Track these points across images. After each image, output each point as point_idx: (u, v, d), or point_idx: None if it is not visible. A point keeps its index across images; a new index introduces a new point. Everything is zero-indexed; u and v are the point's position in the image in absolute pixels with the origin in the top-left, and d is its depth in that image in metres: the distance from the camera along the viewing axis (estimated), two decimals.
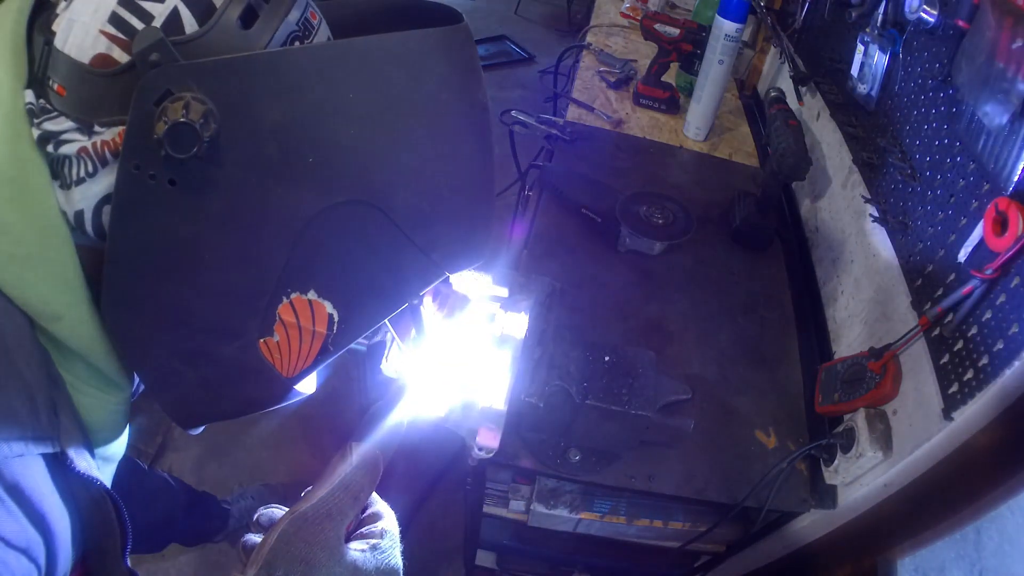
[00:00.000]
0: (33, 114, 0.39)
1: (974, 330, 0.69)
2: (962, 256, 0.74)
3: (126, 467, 0.55)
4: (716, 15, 1.32)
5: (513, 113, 1.36)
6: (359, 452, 0.50)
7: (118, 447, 0.52)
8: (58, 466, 0.41)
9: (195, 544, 1.48)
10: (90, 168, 0.39)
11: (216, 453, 1.71)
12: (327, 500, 0.47)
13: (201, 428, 0.52)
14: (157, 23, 0.37)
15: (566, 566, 1.26)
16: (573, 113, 1.50)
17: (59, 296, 0.40)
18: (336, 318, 0.46)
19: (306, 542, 0.44)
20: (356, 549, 0.46)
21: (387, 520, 0.50)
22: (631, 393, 0.85)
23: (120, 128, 0.38)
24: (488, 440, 0.70)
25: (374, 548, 0.47)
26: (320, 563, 0.43)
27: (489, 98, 0.48)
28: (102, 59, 0.38)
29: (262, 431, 1.75)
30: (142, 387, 0.56)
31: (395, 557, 0.48)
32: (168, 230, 0.39)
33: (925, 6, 0.87)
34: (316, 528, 0.45)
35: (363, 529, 0.49)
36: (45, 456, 0.40)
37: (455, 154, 0.46)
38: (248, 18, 0.39)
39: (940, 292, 0.77)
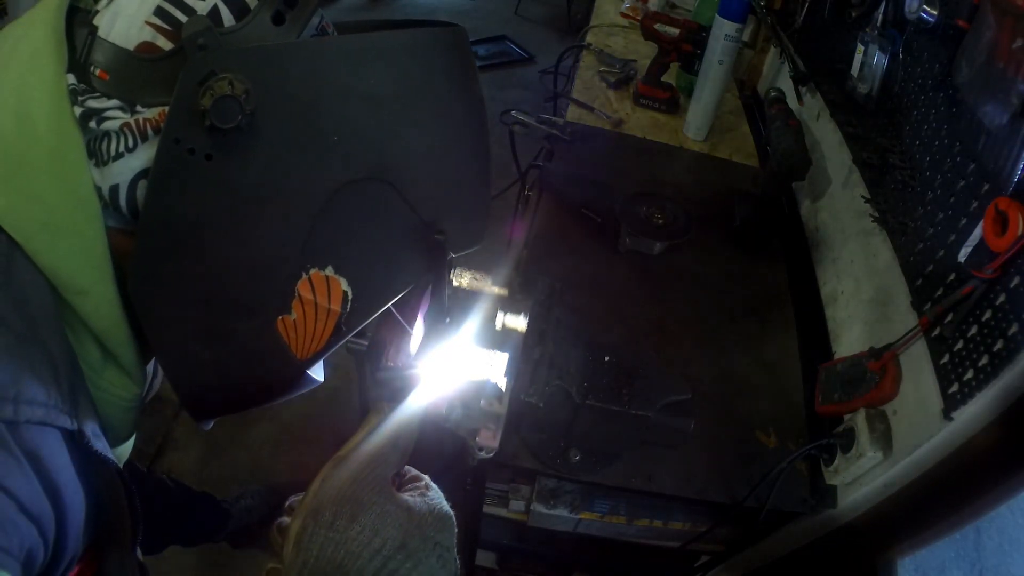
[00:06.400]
0: (76, 94, 0.41)
1: (974, 330, 0.69)
2: (962, 256, 0.74)
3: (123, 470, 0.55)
4: (716, 15, 1.32)
5: (513, 113, 1.36)
6: (395, 408, 0.50)
7: (124, 450, 0.53)
8: (74, 446, 0.41)
9: (195, 544, 1.48)
10: (130, 143, 0.42)
11: (217, 453, 1.71)
12: (367, 444, 0.47)
13: (212, 422, 0.53)
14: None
15: (566, 566, 1.26)
16: (573, 113, 1.50)
17: (87, 270, 0.42)
18: (350, 295, 0.48)
19: (352, 482, 0.45)
20: (406, 494, 0.47)
21: (429, 481, 0.51)
22: (631, 393, 0.85)
23: (161, 108, 0.41)
24: (488, 440, 0.70)
25: (423, 495, 0.48)
26: (370, 502, 0.44)
27: (484, 93, 0.52)
28: (147, 46, 0.41)
29: (263, 431, 1.75)
30: (152, 392, 0.56)
31: (446, 505, 0.48)
32: (201, 203, 0.42)
33: (925, 6, 0.87)
34: (360, 469, 0.45)
35: (408, 486, 0.49)
36: (63, 433, 0.40)
37: (458, 139, 0.51)
38: (277, 19, 0.44)
39: (940, 292, 0.77)
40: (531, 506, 0.97)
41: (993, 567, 0.69)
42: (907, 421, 0.77)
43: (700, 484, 0.87)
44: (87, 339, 0.43)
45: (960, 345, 0.71)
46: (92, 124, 0.41)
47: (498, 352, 0.71)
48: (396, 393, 0.54)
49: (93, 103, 0.41)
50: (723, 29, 1.31)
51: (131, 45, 0.41)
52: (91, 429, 0.42)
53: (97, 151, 0.42)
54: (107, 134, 0.41)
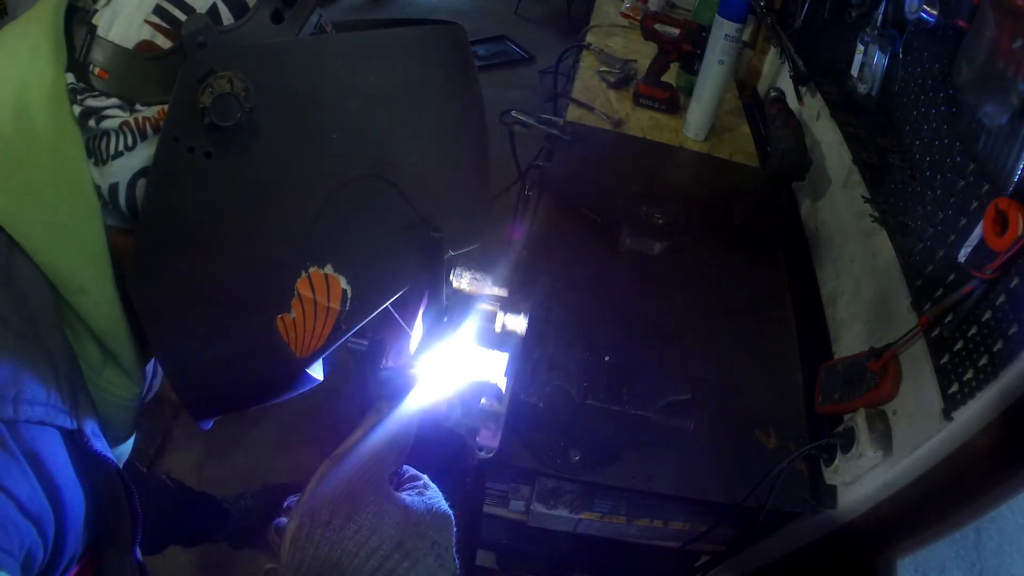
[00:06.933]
0: (75, 93, 0.41)
1: (974, 330, 0.69)
2: (962, 256, 0.74)
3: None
4: (716, 15, 1.32)
5: (513, 113, 1.36)
6: (393, 408, 0.50)
7: (124, 450, 0.53)
8: (73, 445, 0.41)
9: (195, 544, 1.47)
10: (129, 141, 0.42)
11: (216, 453, 1.71)
12: (364, 443, 0.47)
13: (211, 422, 0.52)
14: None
15: (566, 566, 1.26)
16: (573, 113, 1.50)
17: (87, 268, 0.42)
18: (350, 294, 0.48)
19: (349, 481, 0.44)
20: (404, 493, 0.46)
21: (427, 480, 0.50)
22: (631, 393, 0.85)
23: (161, 106, 0.41)
24: (488, 440, 0.70)
25: (421, 494, 0.47)
26: (367, 501, 0.43)
27: (484, 93, 0.52)
28: (146, 45, 0.42)
29: (262, 431, 1.75)
30: (151, 392, 0.56)
31: (444, 505, 0.48)
32: (201, 201, 0.42)
33: (925, 6, 0.87)
34: (357, 468, 0.45)
35: (406, 485, 0.49)
36: (62, 432, 0.40)
37: (457, 137, 0.51)
38: (276, 18, 0.44)
39: (940, 292, 0.77)
40: (531, 506, 0.97)
41: (993, 567, 0.69)
42: (907, 421, 0.77)
43: (700, 484, 0.87)
44: (87, 338, 0.43)
45: (960, 345, 0.71)
46: (91, 123, 0.41)
47: (498, 352, 0.71)
48: (395, 393, 0.54)
49: (92, 102, 0.41)
50: (723, 29, 1.31)
51: (130, 44, 0.41)
52: (90, 428, 0.42)
53: (96, 150, 0.42)
54: (106, 133, 0.41)
